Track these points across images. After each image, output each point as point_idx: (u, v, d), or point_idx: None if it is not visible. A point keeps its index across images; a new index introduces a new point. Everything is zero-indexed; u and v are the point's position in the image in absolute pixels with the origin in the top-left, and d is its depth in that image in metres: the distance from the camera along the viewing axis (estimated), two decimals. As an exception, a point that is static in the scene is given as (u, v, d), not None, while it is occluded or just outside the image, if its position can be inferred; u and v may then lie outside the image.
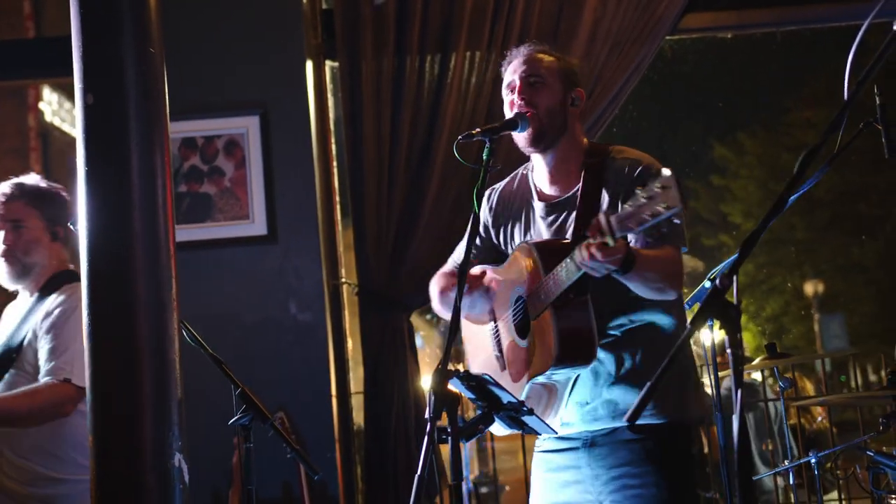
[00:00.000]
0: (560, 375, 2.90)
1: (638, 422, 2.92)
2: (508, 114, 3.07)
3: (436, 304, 3.35)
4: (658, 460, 2.94)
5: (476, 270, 3.13)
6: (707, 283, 3.70)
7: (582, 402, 2.98)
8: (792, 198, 2.82)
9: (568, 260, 2.71)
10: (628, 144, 3.17)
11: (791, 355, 4.49)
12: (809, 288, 18.50)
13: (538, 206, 3.11)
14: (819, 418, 6.95)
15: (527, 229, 3.14)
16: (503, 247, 3.22)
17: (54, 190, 3.86)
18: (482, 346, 3.21)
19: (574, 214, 3.00)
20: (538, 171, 3.15)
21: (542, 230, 3.09)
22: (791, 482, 4.34)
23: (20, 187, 3.81)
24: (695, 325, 1.99)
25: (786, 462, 4.24)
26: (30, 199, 3.78)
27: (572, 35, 5.03)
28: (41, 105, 15.41)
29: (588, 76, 4.92)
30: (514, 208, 3.19)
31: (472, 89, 5.10)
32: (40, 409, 3.51)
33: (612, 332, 2.97)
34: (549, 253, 2.87)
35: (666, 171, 2.43)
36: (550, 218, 3.08)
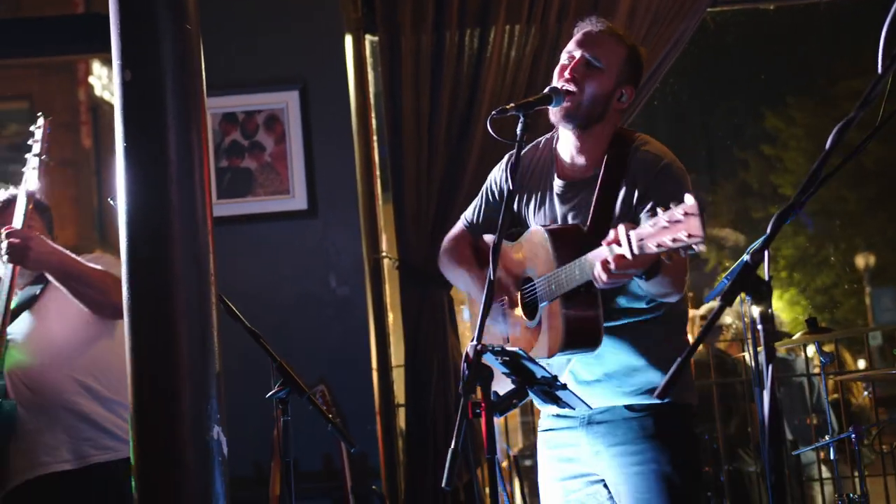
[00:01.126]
0: (562, 359, 2.91)
1: (633, 402, 2.96)
2: (556, 78, 3.02)
3: (444, 271, 3.36)
4: (657, 437, 2.94)
5: (489, 239, 3.13)
6: (746, 258, 3.67)
7: (581, 380, 2.98)
8: (827, 175, 2.81)
9: (583, 260, 2.69)
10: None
11: (833, 330, 4.45)
12: (861, 261, 18.29)
13: (556, 183, 3.08)
14: (865, 393, 6.89)
15: (541, 203, 3.11)
16: (516, 212, 3.18)
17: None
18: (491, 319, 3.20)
19: (589, 199, 2.98)
20: (563, 145, 3.11)
21: (556, 207, 3.07)
22: (832, 457, 4.32)
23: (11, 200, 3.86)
24: (726, 300, 1.98)
25: (826, 437, 4.22)
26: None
27: (612, 9, 4.98)
28: (91, 79, 15.56)
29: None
30: (533, 178, 3.15)
31: (512, 63, 5.08)
32: (109, 281, 3.54)
33: (615, 315, 2.96)
34: (564, 244, 2.85)
35: (690, 199, 2.37)
36: (566, 196, 3.05)
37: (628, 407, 2.97)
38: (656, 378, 2.95)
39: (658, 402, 2.93)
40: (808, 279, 18.40)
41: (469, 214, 3.34)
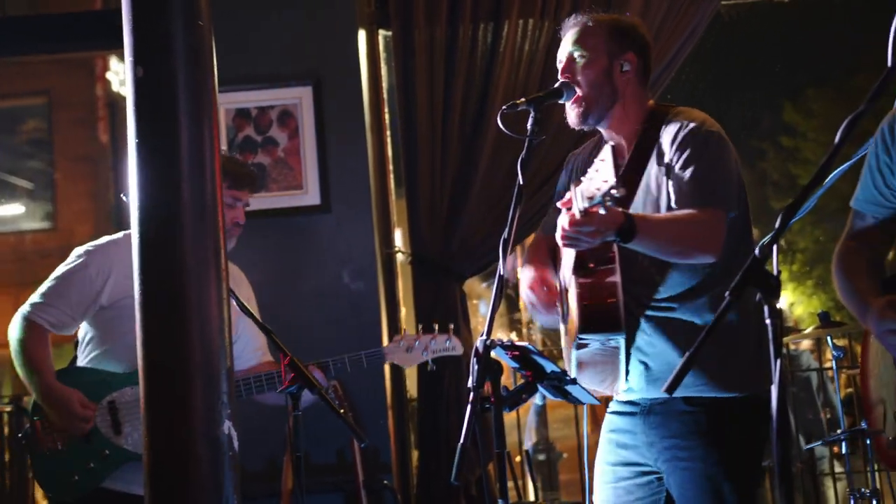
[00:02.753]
0: (597, 343, 2.89)
1: (691, 394, 2.92)
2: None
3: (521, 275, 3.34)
4: (707, 435, 2.90)
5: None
6: (757, 251, 3.65)
7: (643, 368, 2.97)
8: (840, 168, 2.81)
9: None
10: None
11: (845, 324, 4.44)
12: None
13: None
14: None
15: None
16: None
17: None
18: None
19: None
20: (607, 137, 3.14)
21: None
22: (844, 451, 4.31)
23: None
24: (733, 295, 1.98)
25: (839, 431, 4.21)
26: None
27: (625, 1, 4.98)
28: (108, 75, 15.61)
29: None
30: (582, 174, 3.17)
31: (525, 57, 5.08)
32: None
33: (661, 301, 2.95)
34: None
35: (606, 146, 2.43)
36: None
37: (686, 400, 2.94)
38: (712, 370, 2.89)
39: (717, 395, 2.91)
40: (827, 273, 18.31)
41: (546, 221, 3.33)
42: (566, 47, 3.06)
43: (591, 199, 2.48)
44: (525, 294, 3.15)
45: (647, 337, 2.96)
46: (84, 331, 3.75)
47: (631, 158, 2.98)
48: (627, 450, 3.05)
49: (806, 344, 6.61)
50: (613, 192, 2.42)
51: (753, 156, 17.82)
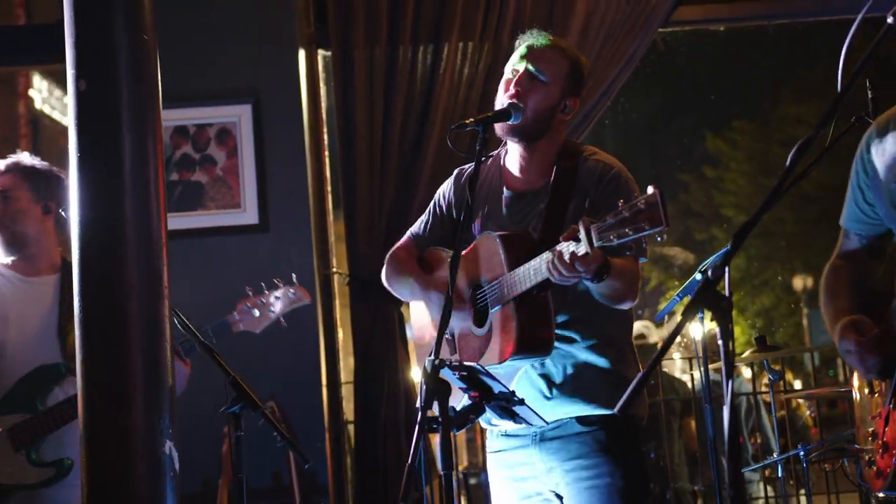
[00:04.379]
0: (509, 368, 2.90)
1: (583, 414, 2.98)
2: (501, 92, 3.05)
3: (388, 281, 3.34)
4: (609, 451, 2.96)
5: (433, 253, 3.17)
6: (698, 276, 3.70)
7: (531, 396, 2.97)
8: (783, 191, 2.85)
9: (538, 261, 2.71)
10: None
11: (781, 348, 4.51)
12: (799, 282, 18.50)
13: (505, 194, 3.10)
14: (808, 412, 6.99)
15: (489, 215, 3.12)
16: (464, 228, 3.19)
17: (47, 167, 3.86)
18: (430, 329, 3.20)
19: (538, 210, 3.00)
20: (511, 159, 3.14)
21: (504, 218, 3.08)
22: (779, 475, 4.36)
23: (13, 163, 3.83)
24: (686, 316, 1.99)
25: (774, 454, 4.26)
26: (19, 173, 3.79)
27: (565, 27, 5.02)
28: (31, 92, 15.34)
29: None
30: (481, 191, 3.16)
31: (465, 80, 5.10)
32: None
33: (560, 327, 2.97)
34: (515, 248, 2.87)
35: (651, 189, 2.43)
36: (515, 208, 3.07)
37: (579, 420, 2.98)
38: (606, 390, 2.95)
39: (608, 413, 2.95)
40: (748, 300, 18.58)
41: (416, 229, 3.35)
42: (524, 61, 3.05)
43: (621, 237, 2.46)
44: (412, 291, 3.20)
45: (536, 367, 2.99)
46: None
47: (553, 193, 2.99)
48: (527, 481, 3.07)
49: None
50: (659, 238, 2.44)
51: (678, 188, 18.08)
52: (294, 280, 3.82)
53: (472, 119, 2.91)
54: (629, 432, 3.02)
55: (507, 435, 3.09)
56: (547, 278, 2.69)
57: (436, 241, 3.26)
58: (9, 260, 3.75)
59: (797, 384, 12.98)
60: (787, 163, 2.09)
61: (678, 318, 2.03)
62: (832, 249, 2.99)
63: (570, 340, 2.98)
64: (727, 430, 1.93)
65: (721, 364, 1.98)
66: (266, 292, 3.77)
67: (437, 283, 3.14)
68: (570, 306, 2.97)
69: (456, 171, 3.28)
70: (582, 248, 2.54)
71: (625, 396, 1.99)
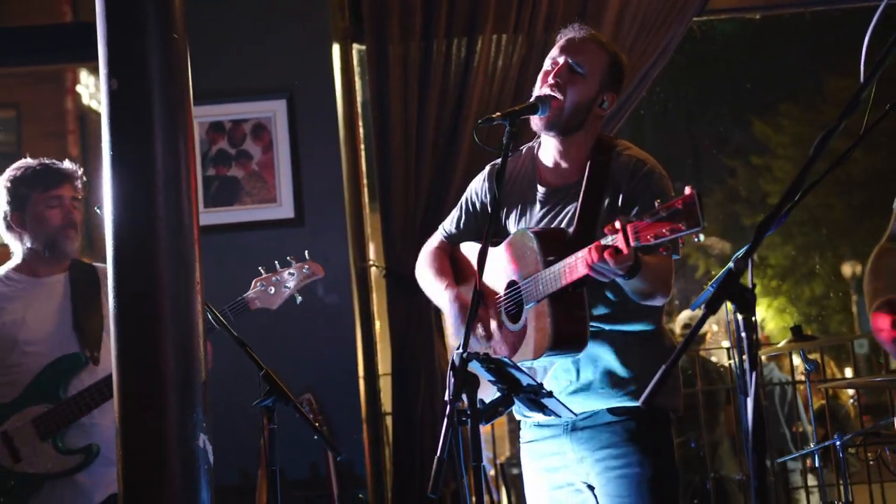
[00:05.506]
0: (545, 362, 2.92)
1: (615, 405, 2.98)
2: (539, 84, 3.05)
3: (419, 280, 3.35)
4: (640, 440, 2.97)
5: (467, 249, 3.15)
6: (731, 266, 3.68)
7: (562, 388, 2.99)
8: (812, 183, 2.83)
9: (573, 258, 2.70)
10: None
11: (817, 338, 4.48)
12: (847, 269, 18.31)
13: (539, 190, 3.10)
14: (850, 401, 6.92)
15: (523, 211, 3.13)
16: (500, 223, 3.19)
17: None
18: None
19: (572, 206, 3.00)
20: (545, 153, 3.13)
21: (536, 214, 3.08)
22: (816, 464, 4.33)
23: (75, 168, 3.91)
24: (709, 308, 1.99)
25: (811, 444, 4.24)
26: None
27: (599, 18, 5.01)
28: (78, 88, 15.54)
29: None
30: (514, 187, 3.16)
31: (499, 72, 5.10)
32: None
33: (596, 320, 2.97)
34: (550, 244, 2.86)
35: (688, 189, 2.42)
36: (549, 203, 3.07)
37: (611, 411, 2.98)
38: (637, 383, 2.96)
39: (639, 404, 2.95)
40: (798, 289, 18.41)
41: (447, 225, 3.35)
42: (564, 54, 3.04)
43: (659, 237, 2.46)
44: (452, 318, 3.18)
45: (567, 360, 2.99)
46: None
47: (587, 189, 2.99)
48: (558, 472, 3.07)
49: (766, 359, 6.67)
50: (696, 238, 2.42)
51: (724, 173, 17.93)
52: (306, 256, 3.87)
53: (498, 113, 2.91)
54: (661, 423, 3.02)
55: (539, 425, 3.10)
56: (582, 276, 2.69)
57: (467, 237, 3.27)
58: (13, 264, 3.84)
59: (847, 372, 12.84)
60: (812, 153, 2.07)
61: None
62: (881, 235, 2.96)
63: (606, 333, 2.98)
64: (751, 422, 1.93)
65: (755, 354, 1.98)
66: (279, 269, 3.83)
67: (462, 299, 3.15)
68: (605, 300, 2.97)
69: (489, 167, 3.28)
70: (620, 246, 2.55)
71: (648, 389, 1.99)
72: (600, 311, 2.97)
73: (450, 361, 2.63)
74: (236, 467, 4.82)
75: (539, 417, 3.01)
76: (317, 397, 4.71)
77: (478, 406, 2.60)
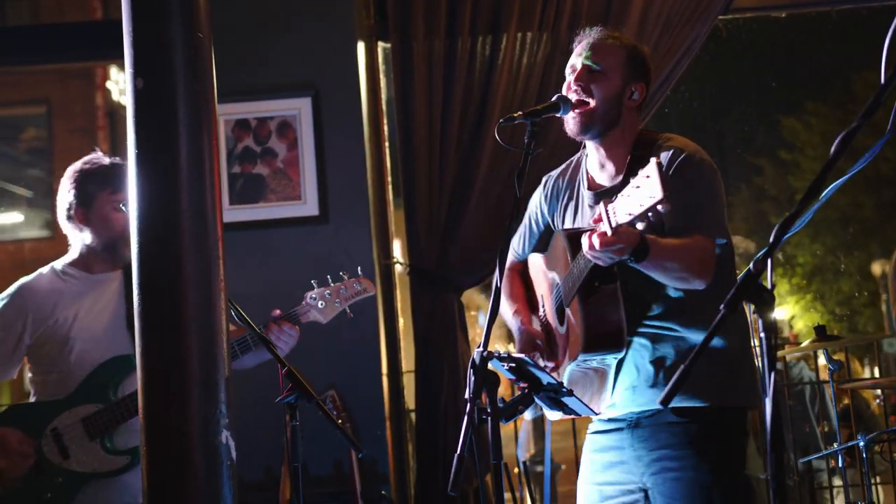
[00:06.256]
0: (595, 362, 2.90)
1: (681, 405, 2.94)
2: (565, 92, 3.06)
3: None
4: (698, 445, 2.92)
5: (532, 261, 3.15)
6: (751, 266, 3.66)
7: (630, 384, 2.99)
8: (836, 183, 2.82)
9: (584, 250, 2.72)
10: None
11: (842, 337, 4.46)
12: (877, 268, 18.17)
13: (587, 195, 3.11)
14: (877, 401, 6.88)
15: (576, 217, 3.14)
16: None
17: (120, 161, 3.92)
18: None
19: None
20: (590, 158, 3.15)
21: (587, 219, 3.08)
22: (840, 464, 4.32)
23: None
24: (728, 308, 1.99)
25: (835, 444, 4.23)
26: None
27: (623, 17, 5.00)
28: (108, 84, 15.65)
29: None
30: (566, 195, 3.19)
31: (524, 70, 5.10)
32: None
33: (652, 319, 2.97)
34: (576, 240, 2.86)
35: (652, 161, 2.42)
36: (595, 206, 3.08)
37: (674, 411, 2.95)
38: (702, 382, 2.89)
39: (706, 405, 2.92)
40: (826, 287, 18.31)
41: (515, 244, 3.37)
42: (582, 57, 3.06)
43: (630, 214, 2.48)
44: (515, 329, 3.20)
45: (637, 354, 2.97)
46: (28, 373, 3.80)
47: (623, 186, 2.99)
48: (614, 468, 3.05)
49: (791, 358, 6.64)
50: (660, 207, 2.42)
51: (750, 171, 17.85)
52: (359, 272, 3.88)
53: (520, 112, 2.92)
54: (726, 427, 2.95)
55: (609, 419, 3.08)
56: (594, 265, 2.70)
57: (536, 252, 3.30)
58: (70, 258, 3.84)
59: (875, 372, 12.72)
60: (832, 153, 2.06)
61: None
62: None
63: (671, 331, 2.96)
64: (769, 423, 1.93)
65: (774, 355, 1.97)
66: (332, 284, 3.85)
67: (529, 331, 3.18)
68: (665, 297, 2.95)
69: (544, 179, 3.31)
70: (605, 229, 2.56)
71: (667, 388, 1.99)
72: (662, 308, 2.95)
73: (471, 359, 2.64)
74: (260, 464, 4.85)
75: (608, 413, 3.02)
76: (340, 394, 4.73)
77: (498, 404, 2.61)
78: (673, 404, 2.91)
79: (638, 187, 2.45)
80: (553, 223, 3.24)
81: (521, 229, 3.35)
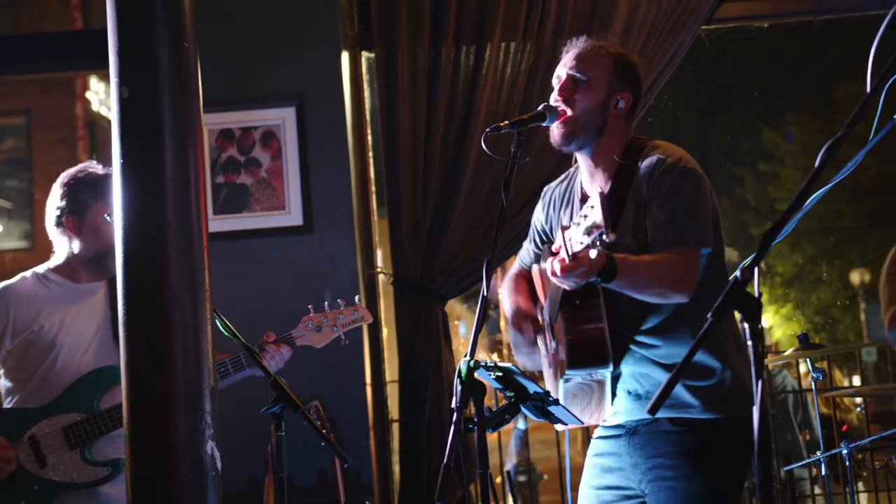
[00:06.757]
0: (580, 378, 2.91)
1: (677, 415, 2.95)
2: (551, 101, 3.07)
3: (503, 303, 3.36)
4: (693, 455, 2.92)
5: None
6: (737, 275, 3.67)
7: (631, 391, 3.00)
8: (819, 192, 2.84)
9: None
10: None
11: (824, 346, 4.48)
12: (855, 277, 18.24)
13: (579, 207, 3.11)
14: (858, 409, 6.91)
15: None
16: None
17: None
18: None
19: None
20: (582, 170, 3.16)
21: None
22: (823, 472, 4.33)
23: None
24: (715, 316, 2.00)
25: (818, 453, 4.24)
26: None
27: (607, 25, 5.02)
28: (88, 95, 15.59)
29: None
30: (563, 206, 3.21)
31: (508, 79, 5.11)
32: None
33: (651, 328, 2.97)
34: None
35: (595, 192, 2.45)
36: None
37: (671, 421, 2.96)
38: (701, 395, 2.93)
39: (703, 417, 2.93)
40: (805, 296, 18.36)
41: (523, 255, 3.39)
42: (567, 67, 3.08)
43: (581, 243, 2.49)
44: (510, 334, 3.20)
45: (632, 367, 2.99)
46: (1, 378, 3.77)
47: (611, 192, 3.00)
48: (612, 473, 3.07)
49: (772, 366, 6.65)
50: (604, 237, 2.43)
51: (732, 182, 17.91)
52: (357, 301, 3.90)
53: (506, 122, 2.92)
54: (722, 436, 2.95)
55: (612, 425, 3.09)
56: (564, 288, 2.73)
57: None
58: (53, 264, 3.82)
59: (856, 380, 12.78)
60: (818, 162, 2.07)
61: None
62: (891, 242, 2.95)
63: (669, 340, 2.96)
64: (756, 432, 1.93)
65: (762, 363, 1.98)
66: (328, 311, 3.85)
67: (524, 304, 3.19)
68: (654, 312, 2.95)
69: (544, 191, 3.33)
70: (564, 255, 2.59)
71: (654, 397, 1.99)
72: (652, 323, 2.96)
73: (457, 369, 2.65)
74: (244, 474, 4.83)
75: (613, 420, 3.04)
76: (324, 404, 4.73)
77: (484, 413, 2.61)
78: (667, 414, 2.95)
79: (585, 216, 2.47)
80: (552, 235, 3.25)
81: (528, 244, 3.38)
